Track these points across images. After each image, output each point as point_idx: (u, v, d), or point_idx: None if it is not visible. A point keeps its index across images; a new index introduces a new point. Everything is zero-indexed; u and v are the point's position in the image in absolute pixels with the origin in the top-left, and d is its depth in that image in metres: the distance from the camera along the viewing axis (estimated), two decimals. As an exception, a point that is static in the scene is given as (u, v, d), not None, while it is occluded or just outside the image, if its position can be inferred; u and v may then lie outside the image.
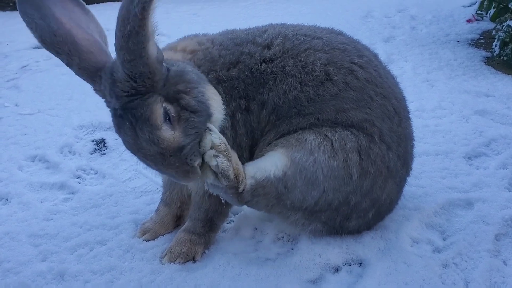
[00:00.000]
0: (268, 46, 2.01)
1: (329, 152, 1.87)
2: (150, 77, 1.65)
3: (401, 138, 2.00)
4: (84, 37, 1.76)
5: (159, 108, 1.68)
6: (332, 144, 1.88)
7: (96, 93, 1.79)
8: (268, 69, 1.97)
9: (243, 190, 1.95)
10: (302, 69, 1.95)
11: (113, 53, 1.79)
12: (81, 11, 1.85)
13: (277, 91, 1.96)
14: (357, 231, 2.10)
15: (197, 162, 1.78)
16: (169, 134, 1.70)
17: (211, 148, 1.81)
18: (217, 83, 1.95)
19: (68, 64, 1.76)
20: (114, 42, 1.60)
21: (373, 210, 2.03)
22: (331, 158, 1.87)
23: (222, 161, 1.82)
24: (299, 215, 2.00)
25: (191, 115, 1.74)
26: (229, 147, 1.89)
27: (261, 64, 1.98)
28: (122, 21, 1.55)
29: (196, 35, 2.16)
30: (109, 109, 1.77)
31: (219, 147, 1.82)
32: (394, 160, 1.97)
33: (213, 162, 1.83)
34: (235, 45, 2.03)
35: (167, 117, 1.71)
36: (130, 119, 1.67)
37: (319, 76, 1.94)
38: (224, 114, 1.91)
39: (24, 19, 1.75)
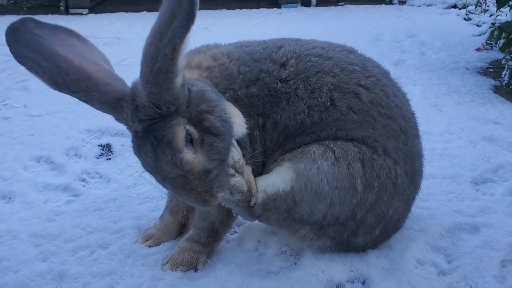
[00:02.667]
0: (284, 65, 1.99)
1: (332, 160, 1.88)
2: (174, 103, 1.62)
3: (408, 155, 1.99)
4: (96, 69, 1.70)
5: (181, 131, 1.64)
6: (334, 152, 1.89)
7: (118, 122, 1.76)
8: (283, 89, 1.96)
9: (255, 204, 1.96)
10: (311, 94, 1.95)
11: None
12: (80, 43, 1.78)
13: (288, 112, 1.96)
14: (363, 249, 2.09)
15: (221, 194, 1.73)
16: (191, 157, 1.65)
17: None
18: (234, 101, 1.92)
19: (87, 101, 1.68)
20: (139, 73, 1.58)
21: (379, 227, 2.01)
22: (334, 165, 1.88)
23: (237, 180, 1.83)
24: (308, 229, 2.00)
25: (214, 139, 1.69)
26: (243, 160, 1.89)
27: (277, 83, 1.97)
28: (151, 58, 1.52)
29: (208, 47, 2.13)
30: (129, 131, 1.74)
31: (237, 163, 1.83)
32: (402, 177, 1.96)
33: (231, 182, 1.83)
34: (254, 61, 2.00)
35: (189, 139, 1.66)
36: (152, 141, 1.63)
37: (324, 103, 1.94)
38: (247, 128, 1.88)
39: (24, 64, 1.64)
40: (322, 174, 1.87)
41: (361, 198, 1.91)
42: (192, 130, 1.67)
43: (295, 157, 1.93)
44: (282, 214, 1.96)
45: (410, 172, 2.00)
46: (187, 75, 1.83)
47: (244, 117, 1.89)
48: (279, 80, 1.97)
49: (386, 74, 2.14)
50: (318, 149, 1.91)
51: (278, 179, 1.94)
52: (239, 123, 1.84)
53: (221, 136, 1.72)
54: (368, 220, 1.96)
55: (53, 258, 2.15)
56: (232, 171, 1.82)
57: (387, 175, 1.92)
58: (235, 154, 1.82)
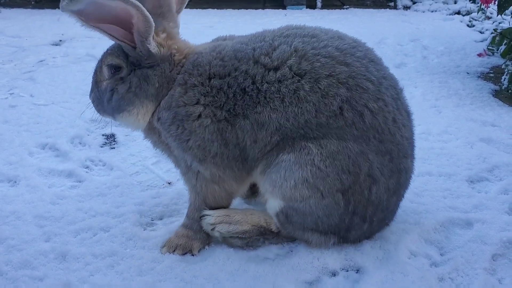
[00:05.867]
0: (276, 68, 1.95)
1: (319, 199, 1.97)
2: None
3: (393, 171, 2.04)
4: None
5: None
6: (322, 194, 1.96)
7: None
8: (273, 88, 1.94)
9: (278, 229, 2.14)
10: (321, 98, 1.92)
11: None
12: None
13: (285, 113, 1.94)
14: (358, 240, 2.16)
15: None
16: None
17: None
18: (184, 84, 2.03)
19: None
20: None
21: (366, 225, 2.09)
22: (320, 199, 1.98)
23: (221, 228, 2.11)
24: (316, 236, 2.12)
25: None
26: (224, 212, 2.15)
27: (262, 84, 1.95)
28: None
29: (223, 37, 2.28)
30: None
31: (216, 219, 2.12)
32: (380, 192, 2.02)
33: (215, 234, 2.13)
34: (235, 59, 2.00)
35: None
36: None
37: (335, 111, 1.94)
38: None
39: None
40: (307, 206, 2.00)
41: (344, 210, 2.00)
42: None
43: (285, 190, 1.98)
44: (287, 224, 2.11)
45: (394, 187, 2.07)
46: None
47: (190, 102, 2.01)
48: (266, 82, 1.95)
49: (397, 94, 2.09)
50: (308, 191, 1.96)
51: (272, 205, 2.08)
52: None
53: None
54: (354, 221, 2.05)
55: (56, 238, 2.21)
56: (211, 220, 2.12)
57: (361, 195, 1.99)
58: (209, 219, 2.12)
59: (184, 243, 2.15)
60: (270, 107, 1.94)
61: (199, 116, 1.99)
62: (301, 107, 1.92)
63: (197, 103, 2.00)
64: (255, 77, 1.96)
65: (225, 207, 2.20)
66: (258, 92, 1.95)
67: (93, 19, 1.93)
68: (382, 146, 1.99)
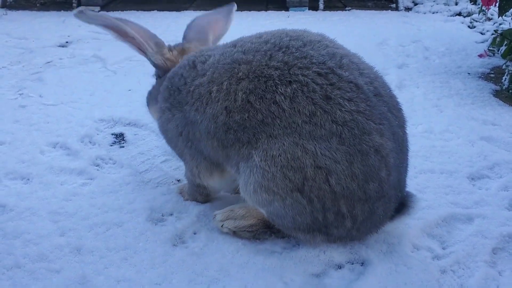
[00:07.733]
0: (202, 75, 2.20)
1: (279, 200, 2.01)
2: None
3: (352, 154, 1.91)
4: None
5: None
6: (280, 195, 2.00)
7: None
8: (197, 90, 2.19)
9: (272, 224, 2.20)
10: (225, 96, 2.08)
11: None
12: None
13: (205, 114, 2.14)
14: (345, 239, 2.15)
15: None
16: None
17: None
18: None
19: None
20: None
21: (348, 221, 2.02)
22: (282, 201, 2.01)
23: (228, 224, 2.24)
24: (296, 234, 2.16)
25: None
26: (228, 208, 2.30)
27: (191, 86, 2.23)
28: None
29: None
30: None
31: (222, 216, 2.27)
32: (345, 181, 1.93)
33: (224, 230, 2.25)
34: (180, 67, 2.39)
35: None
36: None
37: (243, 106, 2.04)
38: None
39: None
40: (277, 209, 2.05)
41: (311, 208, 1.99)
42: None
43: (250, 195, 2.09)
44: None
45: (363, 171, 1.93)
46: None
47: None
48: (194, 85, 2.22)
49: (330, 68, 1.99)
50: (268, 195, 2.02)
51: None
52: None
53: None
54: (329, 217, 2.01)
55: (70, 233, 2.29)
56: (220, 218, 2.27)
57: (320, 189, 1.94)
58: (218, 217, 2.28)
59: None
60: (194, 106, 2.19)
61: (159, 110, 2.45)
62: (214, 108, 2.11)
63: (160, 101, 2.45)
64: (187, 79, 2.28)
65: (202, 199, 2.52)
66: (187, 92, 2.24)
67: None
68: (319, 129, 1.92)
